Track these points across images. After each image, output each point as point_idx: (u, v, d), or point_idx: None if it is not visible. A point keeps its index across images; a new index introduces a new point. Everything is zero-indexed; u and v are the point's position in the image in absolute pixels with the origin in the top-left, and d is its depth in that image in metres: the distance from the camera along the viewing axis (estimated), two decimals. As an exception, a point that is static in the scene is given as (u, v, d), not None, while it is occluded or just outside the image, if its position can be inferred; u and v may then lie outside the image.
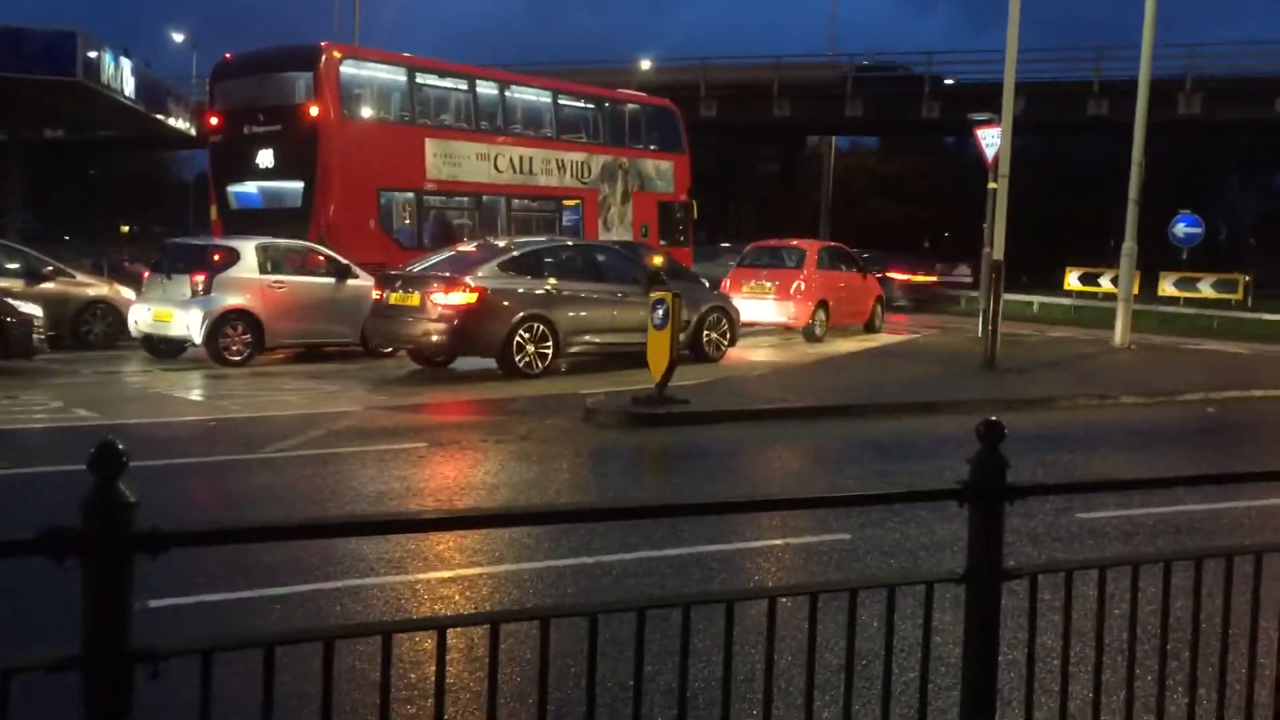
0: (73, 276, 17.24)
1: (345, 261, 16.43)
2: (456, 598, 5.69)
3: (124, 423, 10.43)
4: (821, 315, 21.23)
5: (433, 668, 2.43)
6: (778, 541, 6.89)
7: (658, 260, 19.58)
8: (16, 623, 5.01)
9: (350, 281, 15.86)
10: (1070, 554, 6.43)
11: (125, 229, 68.11)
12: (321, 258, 16.50)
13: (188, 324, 15.16)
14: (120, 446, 2.36)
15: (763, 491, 8.64)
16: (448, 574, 6.06)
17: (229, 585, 5.65)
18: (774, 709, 2.81)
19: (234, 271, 15.40)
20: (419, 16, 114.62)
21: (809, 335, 20.98)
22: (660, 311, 11.49)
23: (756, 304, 21.04)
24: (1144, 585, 3.24)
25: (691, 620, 2.60)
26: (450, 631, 4.81)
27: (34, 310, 13.86)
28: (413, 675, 4.42)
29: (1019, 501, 6.69)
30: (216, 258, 15.54)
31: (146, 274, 16.54)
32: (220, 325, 15.14)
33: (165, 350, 15.94)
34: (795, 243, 24.11)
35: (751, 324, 20.94)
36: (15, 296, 14.49)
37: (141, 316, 15.88)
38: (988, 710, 3.17)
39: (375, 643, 2.34)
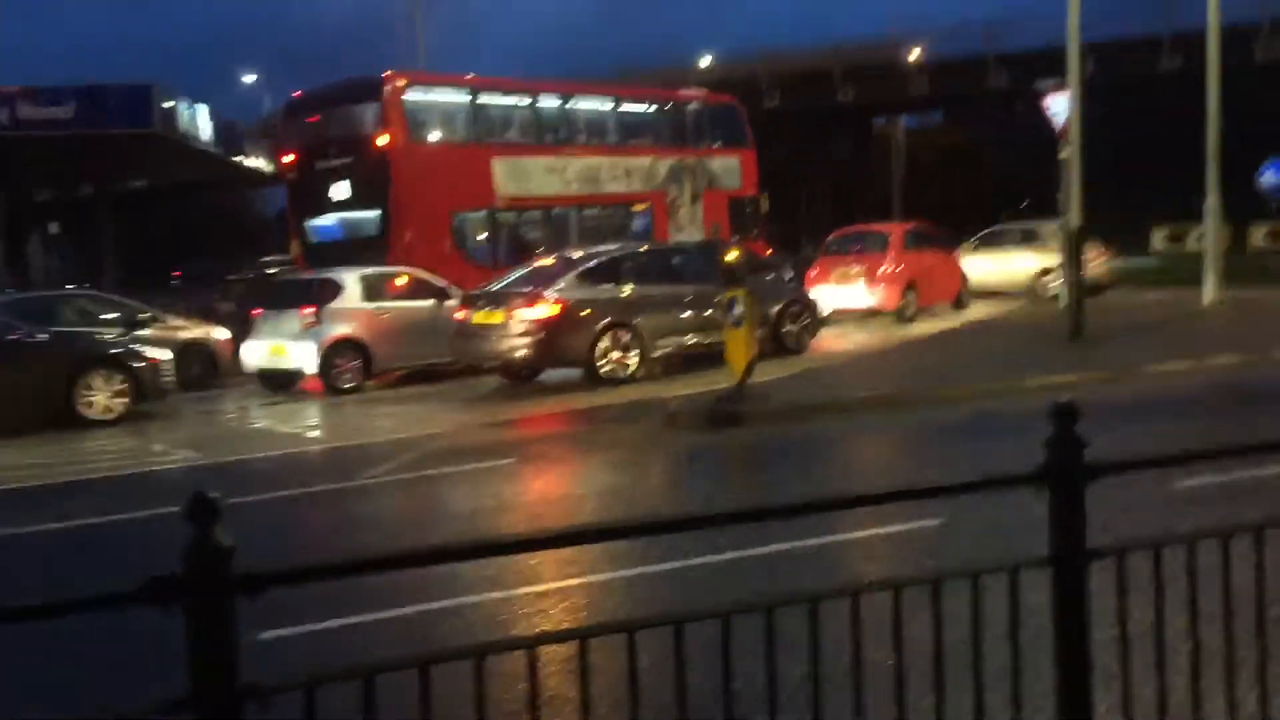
0: (167, 321, 17.79)
1: (442, 284, 16.77)
2: (552, 610, 5.80)
3: (225, 460, 10.76)
4: (911, 296, 21.18)
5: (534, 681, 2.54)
6: (866, 532, 6.87)
7: (734, 256, 19.60)
8: (121, 667, 5.22)
9: (448, 303, 16.19)
10: (1169, 525, 6.31)
11: (232, 278, 69.62)
12: (419, 282, 16.87)
13: (301, 356, 15.66)
14: (214, 495, 2.49)
15: (845, 485, 8.61)
16: (542, 588, 6.17)
17: (333, 612, 5.81)
18: (866, 703, 2.85)
19: (340, 302, 15.87)
20: (483, 33, 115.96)
21: (900, 317, 20.92)
22: (736, 310, 11.52)
23: (845, 290, 21.11)
24: (1240, 555, 3.20)
25: (779, 619, 2.65)
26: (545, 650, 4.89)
27: (163, 354, 14.42)
28: (520, 687, 4.52)
29: (1116, 475, 6.58)
30: (323, 291, 15.99)
31: (257, 312, 17.03)
32: (331, 355, 15.60)
33: (278, 384, 16.43)
34: (879, 226, 24.11)
35: (842, 310, 20.98)
36: (145, 342, 15.06)
37: (256, 353, 16.42)
38: (1082, 693, 3.16)
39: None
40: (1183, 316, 18.85)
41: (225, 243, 69.81)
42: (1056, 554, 3.17)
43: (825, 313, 19.07)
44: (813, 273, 21.79)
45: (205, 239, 69.50)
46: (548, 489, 9.09)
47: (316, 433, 13.35)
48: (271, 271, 26.85)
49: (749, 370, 11.55)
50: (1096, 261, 22.33)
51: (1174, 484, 7.22)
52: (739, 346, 11.53)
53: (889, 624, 2.84)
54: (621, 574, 6.31)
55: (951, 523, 6.83)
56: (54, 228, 48.45)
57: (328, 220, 21.63)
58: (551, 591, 6.11)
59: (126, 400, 13.62)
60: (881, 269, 21.17)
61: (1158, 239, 34.45)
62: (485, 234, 21.77)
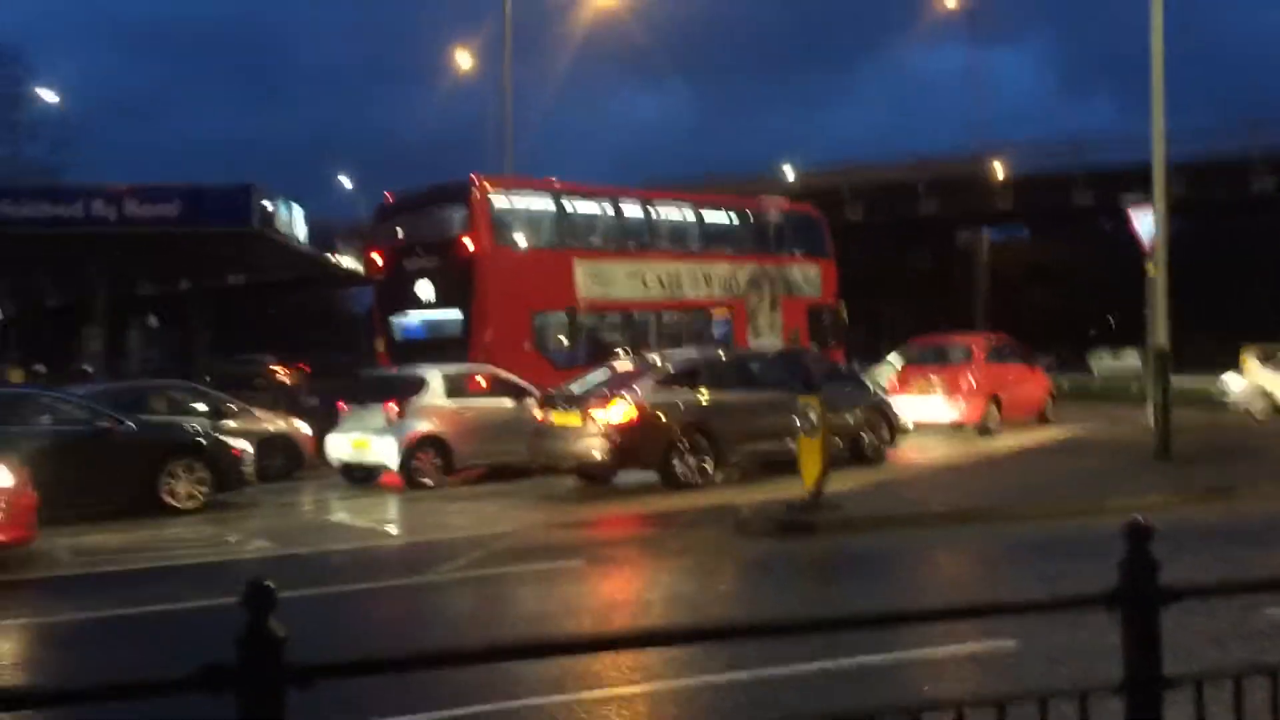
0: (252, 414, 18.19)
1: (523, 384, 17.00)
2: (614, 717, 5.70)
3: (298, 552, 10.87)
4: (993, 410, 20.88)
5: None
6: (939, 650, 6.67)
7: (812, 360, 19.58)
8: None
9: (527, 401, 16.35)
10: (1255, 655, 6.04)
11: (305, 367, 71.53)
12: (500, 381, 17.12)
13: (384, 451, 15.87)
14: (269, 584, 2.52)
15: (914, 599, 8.40)
16: (603, 693, 6.08)
17: (392, 709, 5.78)
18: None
19: (424, 399, 16.13)
20: (577, 141, 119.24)
21: (981, 431, 20.65)
22: (810, 417, 11.44)
23: (926, 401, 20.81)
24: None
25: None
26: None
27: (244, 446, 14.72)
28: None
29: (1201, 600, 6.42)
30: (407, 387, 16.30)
31: (343, 406, 17.38)
32: (413, 451, 15.81)
33: (361, 478, 16.66)
34: (961, 338, 23.81)
35: (922, 422, 20.71)
36: (229, 433, 15.42)
37: (340, 446, 16.70)
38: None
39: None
40: (1274, 439, 18.28)
41: (315, 339, 71.67)
42: (1129, 681, 3.04)
43: (906, 423, 18.87)
44: (894, 381, 21.58)
45: (296, 334, 71.40)
46: (614, 592, 9.01)
47: (391, 527, 13.45)
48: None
49: (822, 479, 11.41)
50: None
51: (1263, 612, 6.94)
52: (812, 455, 11.43)
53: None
54: (685, 682, 6.20)
55: (1027, 645, 6.61)
56: (153, 320, 50.17)
57: (412, 319, 22.08)
58: (613, 698, 6.01)
59: (207, 489, 13.88)
60: (964, 381, 20.91)
61: (1250, 360, 33.53)
62: (565, 335, 22.03)
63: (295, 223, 29.49)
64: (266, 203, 26.83)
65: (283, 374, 33.40)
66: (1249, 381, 24.20)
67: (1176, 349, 16.56)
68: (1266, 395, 23.56)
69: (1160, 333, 15.67)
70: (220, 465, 14.08)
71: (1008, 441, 19.52)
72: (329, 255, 35.58)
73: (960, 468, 16.43)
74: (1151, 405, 16.90)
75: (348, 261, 38.05)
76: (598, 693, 6.09)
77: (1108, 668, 3.03)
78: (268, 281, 54.89)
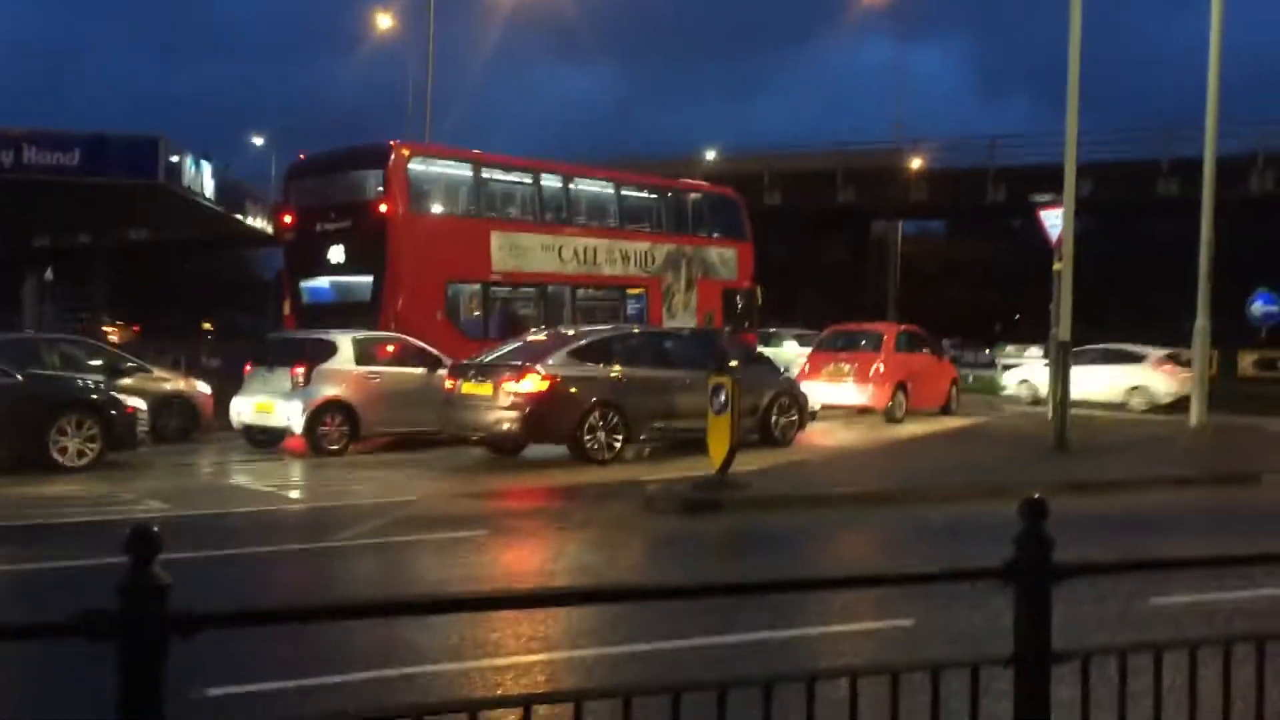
0: (150, 372, 17.71)
1: (434, 352, 16.79)
2: (509, 684, 5.66)
3: (192, 514, 10.61)
4: (900, 397, 21.25)
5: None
6: (837, 628, 6.77)
7: (726, 342, 19.70)
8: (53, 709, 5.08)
9: (439, 372, 16.14)
10: (1140, 640, 6.22)
11: (206, 326, 70.09)
12: (412, 349, 16.88)
13: (288, 415, 15.58)
14: (155, 530, 2.42)
15: (815, 576, 8.50)
16: (502, 661, 6.03)
17: (284, 674, 5.67)
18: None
19: (331, 364, 15.85)
20: (500, 117, 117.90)
21: (889, 417, 21.02)
22: (720, 396, 11.49)
23: (835, 387, 21.28)
24: (1207, 666, 3.13)
25: (730, 705, 2.56)
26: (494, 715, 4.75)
27: (139, 404, 14.32)
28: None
29: (1090, 586, 6.53)
30: (315, 351, 16.00)
31: (248, 368, 16.99)
32: (319, 416, 15.54)
33: (263, 441, 16.36)
34: (872, 326, 24.28)
35: (831, 406, 21.10)
36: (122, 390, 14.96)
37: (244, 408, 16.36)
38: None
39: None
40: (1168, 436, 18.88)
41: (220, 300, 70.13)
42: (1020, 653, 3.09)
43: (815, 407, 19.13)
44: (804, 367, 21.86)
45: (200, 295, 69.76)
46: (517, 562, 8.96)
47: (292, 492, 13.21)
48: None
49: (730, 458, 11.47)
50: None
51: (1147, 601, 7.14)
52: (720, 434, 11.48)
53: (847, 716, 2.76)
54: (582, 653, 6.19)
55: (922, 624, 6.73)
56: (49, 274, 48.55)
57: (321, 282, 21.66)
58: (510, 666, 5.97)
59: (98, 447, 13.48)
60: (873, 368, 21.27)
61: (1146, 360, 34.71)
62: (477, 307, 21.81)
63: (203, 179, 28.70)
64: (174, 157, 26.06)
65: (113, 333, 32.76)
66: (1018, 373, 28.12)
67: (1078, 344, 17.00)
68: (1027, 384, 26.89)
69: (1064, 327, 16.05)
70: (113, 423, 13.68)
71: (913, 429, 19.87)
72: (238, 216, 34.70)
73: (866, 452, 16.69)
74: (1050, 398, 17.33)
75: (258, 223, 37.18)
76: (496, 661, 6.04)
77: (1001, 648, 3.07)
78: (173, 240, 53.45)
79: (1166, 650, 3.20)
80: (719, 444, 11.52)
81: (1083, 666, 3.11)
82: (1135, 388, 25.87)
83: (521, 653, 6.20)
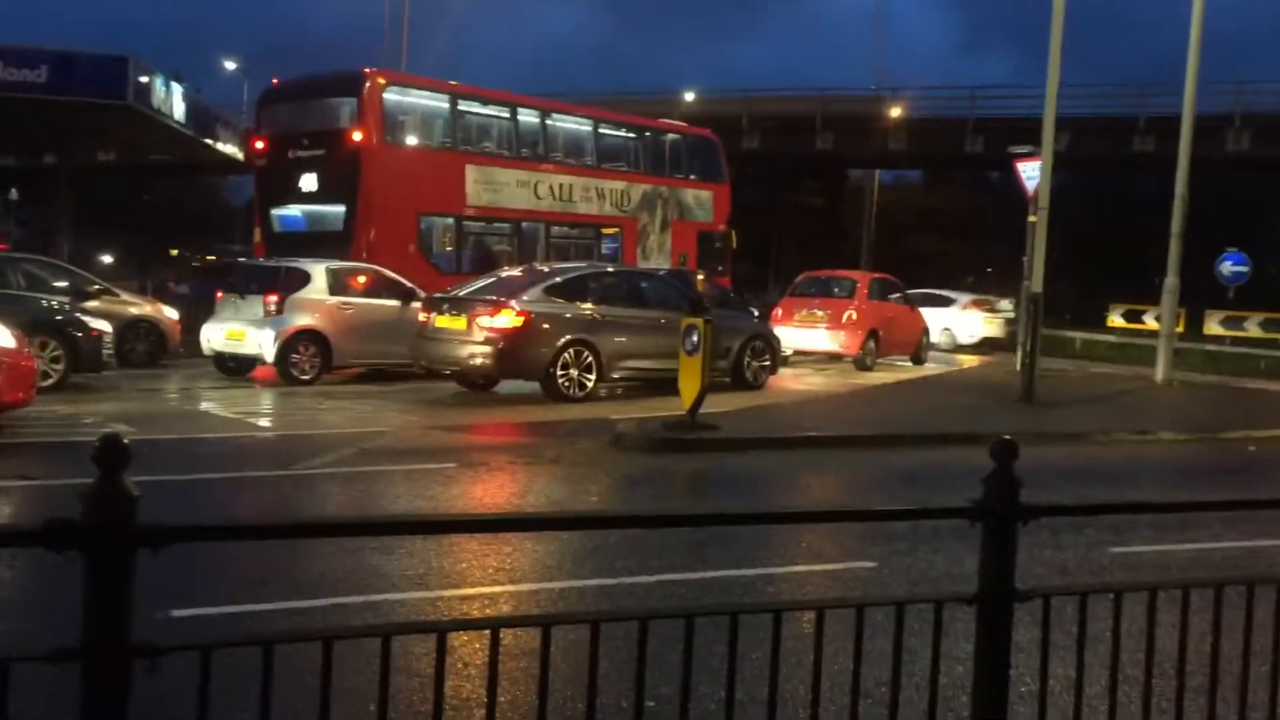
0: (117, 295, 17.51)
1: (409, 285, 16.69)
2: (475, 613, 5.69)
3: (160, 438, 10.53)
4: (872, 345, 21.46)
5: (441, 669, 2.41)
6: (801, 568, 6.83)
7: (700, 284, 19.72)
8: (24, 619, 5.07)
9: (413, 304, 16.06)
10: (1101, 583, 6.32)
11: (174, 252, 69.20)
12: (386, 280, 16.77)
13: (260, 343, 15.50)
14: (124, 441, 2.39)
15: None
16: (468, 591, 6.06)
17: (249, 598, 5.68)
18: (779, 726, 2.78)
19: (305, 293, 15.74)
20: (478, 50, 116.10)
21: (859, 364, 21.18)
22: (693, 338, 11.48)
23: (808, 333, 21.44)
24: (1164, 613, 3.18)
25: (699, 637, 2.57)
26: (461, 644, 4.76)
27: (104, 326, 14.15)
28: (424, 685, 4.41)
29: (1051, 535, 6.67)
30: (289, 279, 15.86)
31: (220, 295, 16.83)
32: (291, 345, 15.46)
33: (234, 369, 16.27)
34: (846, 273, 24.42)
35: (803, 352, 21.26)
36: (87, 313, 14.77)
37: (214, 335, 16.24)
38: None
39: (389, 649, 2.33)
40: (1133, 391, 19.10)
41: (189, 227, 69.27)
42: (983, 591, 3.13)
43: (787, 352, 19.18)
44: (777, 312, 21.93)
45: (169, 221, 68.87)
46: (483, 495, 8.98)
47: (260, 420, 13.14)
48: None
49: (700, 399, 11.49)
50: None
51: (1107, 550, 7.24)
52: (692, 375, 11.49)
53: (811, 650, 2.78)
54: (548, 586, 6.22)
55: (885, 566, 6.81)
56: (14, 194, 47.71)
57: (293, 211, 21.44)
58: (476, 596, 6.00)
59: (62, 368, 13.33)
60: (846, 314, 21.39)
61: (1115, 316, 34.95)
62: (450, 241, 21.66)
63: (173, 101, 28.14)
64: (143, 77, 25.52)
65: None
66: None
67: (1050, 299, 17.09)
68: (948, 332, 28.85)
69: (1037, 279, 16.13)
70: (78, 345, 13.53)
71: (884, 376, 20.00)
72: (209, 141, 34.10)
73: (837, 397, 16.79)
74: (1019, 349, 17.47)
75: (229, 149, 36.58)
76: (462, 590, 6.07)
77: (963, 591, 3.11)
78: (141, 164, 52.53)
79: (1126, 593, 3.25)
80: (690, 385, 11.53)
81: (1044, 605, 3.15)
82: (945, 329, 28.52)
83: (488, 584, 6.23)
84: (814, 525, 7.44)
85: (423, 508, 8.14)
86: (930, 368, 22.41)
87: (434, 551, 6.56)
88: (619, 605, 5.81)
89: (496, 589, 6.14)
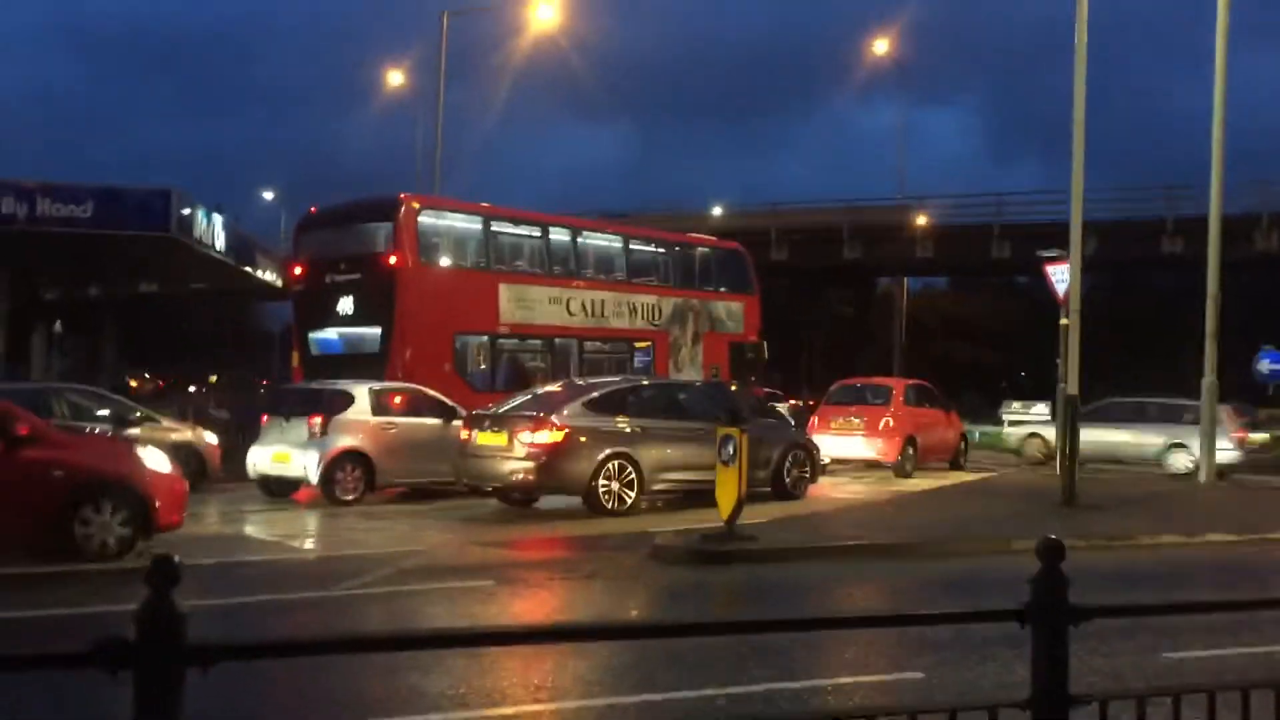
0: (158, 422, 17.73)
1: (450, 403, 16.85)
2: (517, 734, 5.61)
3: (199, 563, 10.55)
4: (910, 451, 21.40)
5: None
6: (847, 680, 6.70)
7: (739, 396, 19.78)
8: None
9: (454, 422, 16.19)
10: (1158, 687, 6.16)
11: (213, 379, 70.21)
12: (427, 399, 16.95)
13: (305, 465, 15.62)
14: (175, 559, 2.43)
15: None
16: (510, 710, 5.98)
17: (295, 718, 5.63)
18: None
19: (349, 414, 15.90)
20: (506, 172, 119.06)
21: (898, 471, 21.11)
22: (729, 448, 11.47)
23: (845, 441, 21.43)
24: (1224, 717, 3.11)
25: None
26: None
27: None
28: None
29: (1101, 641, 6.49)
30: (333, 401, 16.07)
31: (265, 418, 17.04)
32: (335, 466, 15.57)
33: (278, 491, 16.38)
34: (881, 380, 24.41)
35: (841, 460, 21.33)
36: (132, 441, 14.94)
37: (260, 458, 16.39)
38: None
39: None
40: (1177, 491, 18.79)
41: (227, 353, 70.38)
42: (1037, 695, 3.07)
43: (825, 461, 19.18)
44: (814, 421, 22.00)
45: (209, 347, 70.05)
46: (523, 612, 8.91)
47: (302, 542, 13.16)
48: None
49: (737, 509, 11.42)
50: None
51: (1160, 656, 7.07)
52: (730, 485, 11.44)
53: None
54: (591, 703, 6.14)
55: (933, 677, 6.67)
56: (59, 326, 48.77)
57: (330, 334, 21.75)
58: (517, 715, 5.92)
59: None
60: (883, 421, 21.39)
61: (1154, 416, 34.67)
62: (485, 359, 21.87)
63: (215, 231, 28.89)
64: (185, 209, 26.26)
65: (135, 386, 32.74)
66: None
67: (1086, 401, 16.99)
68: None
69: (1072, 381, 16.05)
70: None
71: (922, 483, 19.86)
72: (248, 269, 34.90)
73: (876, 505, 16.65)
74: (1058, 453, 17.29)
75: (267, 276, 37.38)
76: (504, 710, 5.99)
77: (1014, 699, 3.06)
78: (182, 293, 53.73)
79: (1185, 695, 3.18)
80: (727, 495, 11.48)
81: (1100, 710, 3.09)
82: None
83: (529, 701, 6.15)
84: (857, 637, 7.32)
85: (461, 626, 8.08)
86: (969, 474, 22.22)
87: (474, 670, 6.50)
88: (663, 721, 5.73)
89: (539, 707, 6.06)
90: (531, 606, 9.19)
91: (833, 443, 20.85)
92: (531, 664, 6.64)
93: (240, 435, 19.18)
